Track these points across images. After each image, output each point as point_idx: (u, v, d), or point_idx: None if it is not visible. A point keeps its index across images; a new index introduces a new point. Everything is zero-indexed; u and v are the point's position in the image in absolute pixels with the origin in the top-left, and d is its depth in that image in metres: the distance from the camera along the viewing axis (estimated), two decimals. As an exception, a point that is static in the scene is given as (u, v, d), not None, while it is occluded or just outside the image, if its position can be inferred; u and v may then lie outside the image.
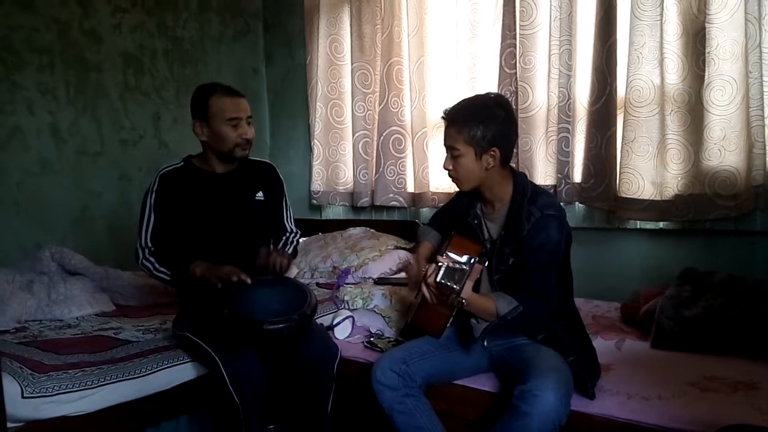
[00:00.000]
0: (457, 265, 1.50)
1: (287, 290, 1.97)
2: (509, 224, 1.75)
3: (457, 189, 1.87)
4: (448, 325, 1.81)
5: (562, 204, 2.60)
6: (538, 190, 1.79)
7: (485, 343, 1.78)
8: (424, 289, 1.59)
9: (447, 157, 1.77)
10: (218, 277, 1.87)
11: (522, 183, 1.78)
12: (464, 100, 1.79)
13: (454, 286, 1.48)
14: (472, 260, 1.56)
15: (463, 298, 1.51)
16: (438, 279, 1.50)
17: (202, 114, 1.98)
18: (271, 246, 2.20)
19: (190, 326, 2.01)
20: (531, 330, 1.75)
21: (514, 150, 2.71)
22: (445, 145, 1.77)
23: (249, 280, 1.87)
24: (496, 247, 1.77)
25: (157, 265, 1.99)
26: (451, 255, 1.71)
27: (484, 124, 1.69)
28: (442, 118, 1.78)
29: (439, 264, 1.51)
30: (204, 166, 2.07)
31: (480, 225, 1.82)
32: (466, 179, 1.77)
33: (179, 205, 2.02)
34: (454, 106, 1.76)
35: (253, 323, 1.81)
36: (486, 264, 1.75)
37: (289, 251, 2.16)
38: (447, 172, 1.80)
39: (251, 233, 2.11)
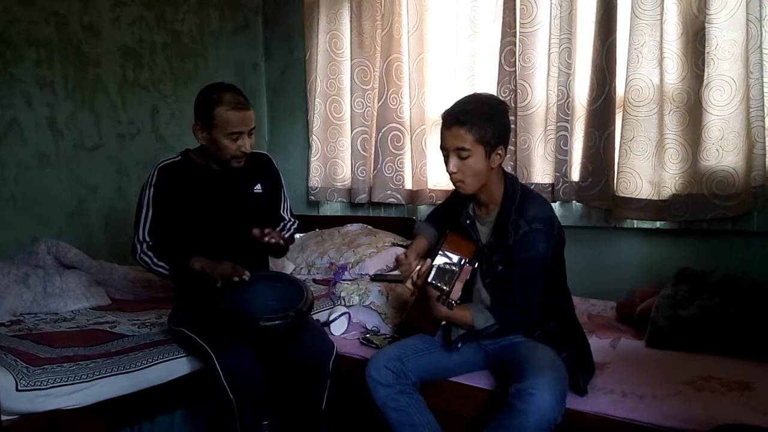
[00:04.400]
0: (447, 266, 1.50)
1: (284, 286, 1.97)
2: (497, 232, 1.74)
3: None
4: (443, 323, 1.82)
5: (558, 203, 2.65)
6: (528, 196, 1.76)
7: (459, 346, 1.78)
8: (411, 286, 1.59)
9: (451, 160, 1.70)
10: (219, 274, 1.87)
11: (512, 187, 1.76)
12: (466, 99, 1.74)
13: (444, 287, 1.48)
14: (462, 262, 1.56)
15: (452, 300, 1.51)
16: (429, 279, 1.50)
17: (205, 121, 1.93)
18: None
19: (185, 321, 2.01)
20: (525, 329, 1.75)
21: (511, 148, 2.74)
22: (447, 148, 1.70)
23: (247, 277, 1.86)
24: (485, 254, 1.76)
25: (155, 260, 1.98)
26: (446, 253, 1.72)
27: (494, 123, 1.67)
28: (444, 119, 1.71)
29: (432, 264, 1.52)
30: (202, 161, 2.06)
31: (473, 225, 1.81)
32: (472, 181, 1.71)
33: (178, 200, 2.01)
34: (457, 107, 1.70)
35: (249, 319, 1.81)
36: (476, 265, 1.75)
37: (286, 235, 2.14)
38: (451, 176, 1.73)
39: (251, 227, 2.09)
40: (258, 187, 2.11)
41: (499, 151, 1.70)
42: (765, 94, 2.15)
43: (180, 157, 2.07)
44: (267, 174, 2.16)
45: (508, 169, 2.76)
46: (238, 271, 1.86)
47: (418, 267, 1.64)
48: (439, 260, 1.55)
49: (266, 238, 1.91)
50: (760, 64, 2.14)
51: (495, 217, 1.76)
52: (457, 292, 1.51)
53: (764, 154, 2.16)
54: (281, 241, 1.97)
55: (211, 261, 1.92)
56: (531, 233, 1.67)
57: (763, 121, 2.16)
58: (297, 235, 2.37)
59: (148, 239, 2.00)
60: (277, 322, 1.80)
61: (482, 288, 1.78)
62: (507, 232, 1.69)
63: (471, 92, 1.85)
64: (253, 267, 1.94)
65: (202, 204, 2.02)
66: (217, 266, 1.89)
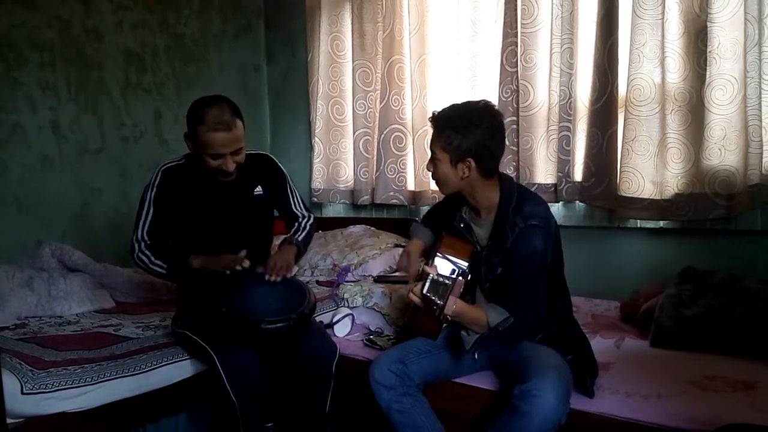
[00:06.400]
0: (441, 279, 1.51)
1: (286, 289, 1.97)
2: (495, 234, 1.73)
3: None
4: (444, 326, 1.81)
5: (561, 203, 2.64)
6: (525, 195, 1.75)
7: (476, 356, 1.77)
8: (414, 298, 1.59)
9: (429, 158, 1.78)
10: (221, 267, 1.88)
11: (509, 190, 1.75)
12: (452, 106, 1.77)
13: (438, 301, 1.49)
14: (456, 275, 1.56)
15: (446, 314, 1.51)
16: (424, 291, 1.51)
17: (190, 136, 1.93)
18: (274, 243, 2.20)
19: (188, 324, 2.01)
20: (536, 325, 1.73)
21: (514, 149, 2.74)
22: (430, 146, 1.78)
23: (247, 265, 1.88)
24: (484, 257, 1.75)
25: (153, 258, 1.99)
26: (446, 256, 1.72)
27: (462, 134, 1.67)
28: (429, 120, 1.77)
29: (426, 275, 1.52)
30: (203, 164, 2.06)
31: (468, 228, 1.81)
32: (443, 184, 1.78)
33: (179, 202, 2.02)
34: (441, 111, 1.75)
35: (251, 322, 1.81)
36: (468, 278, 1.73)
37: (300, 238, 2.13)
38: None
39: (251, 229, 2.11)
40: (258, 189, 2.10)
41: (467, 163, 1.69)
42: (763, 92, 2.14)
43: (183, 161, 2.08)
44: (268, 175, 2.15)
45: (510, 169, 2.76)
46: (238, 260, 1.87)
47: (420, 270, 1.64)
48: (436, 267, 1.55)
49: (271, 278, 1.93)
50: (758, 62, 2.13)
51: (493, 219, 1.76)
52: (450, 306, 1.51)
53: (761, 153, 2.16)
54: (285, 264, 1.98)
55: (208, 257, 1.94)
56: (528, 229, 1.66)
57: (760, 120, 2.15)
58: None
59: (146, 238, 2.01)
60: (279, 324, 1.81)
61: (482, 296, 1.77)
62: (505, 234, 1.69)
63: (472, 93, 1.86)
64: (255, 270, 1.94)
65: (202, 207, 2.03)
66: (216, 260, 1.91)
